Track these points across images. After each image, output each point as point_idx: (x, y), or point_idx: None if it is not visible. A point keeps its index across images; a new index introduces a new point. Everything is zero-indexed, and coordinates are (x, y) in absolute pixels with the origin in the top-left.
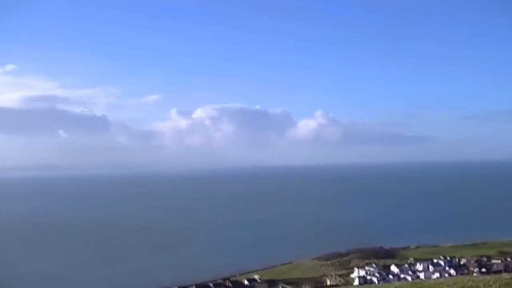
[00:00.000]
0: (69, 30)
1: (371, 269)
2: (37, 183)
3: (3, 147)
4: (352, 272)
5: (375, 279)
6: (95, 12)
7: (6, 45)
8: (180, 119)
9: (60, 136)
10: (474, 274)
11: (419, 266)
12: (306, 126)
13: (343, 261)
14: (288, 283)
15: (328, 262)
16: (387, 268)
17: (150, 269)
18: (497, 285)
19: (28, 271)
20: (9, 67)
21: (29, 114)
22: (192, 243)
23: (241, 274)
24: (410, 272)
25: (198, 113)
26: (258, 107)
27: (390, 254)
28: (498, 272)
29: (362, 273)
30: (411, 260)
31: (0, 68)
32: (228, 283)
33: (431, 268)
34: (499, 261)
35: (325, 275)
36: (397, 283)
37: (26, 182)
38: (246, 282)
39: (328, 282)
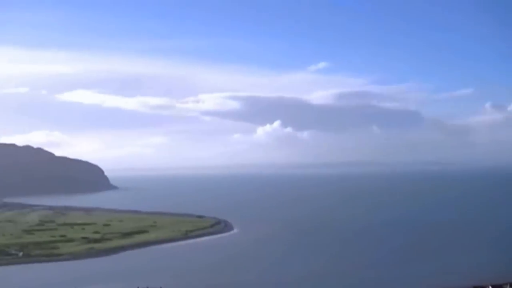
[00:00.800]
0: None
1: None
2: (348, 179)
3: (316, 144)
4: None
5: None
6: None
7: (319, 43)
8: (494, 112)
9: (373, 132)
10: None
11: None
12: None
13: None
14: None
15: None
16: None
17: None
18: None
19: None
20: (322, 64)
21: (341, 111)
22: None
23: None
24: None
25: None
26: None
27: None
28: None
29: None
30: None
31: (314, 65)
32: None
33: None
34: None
35: None
36: None
37: (335, 178)
38: None
39: None
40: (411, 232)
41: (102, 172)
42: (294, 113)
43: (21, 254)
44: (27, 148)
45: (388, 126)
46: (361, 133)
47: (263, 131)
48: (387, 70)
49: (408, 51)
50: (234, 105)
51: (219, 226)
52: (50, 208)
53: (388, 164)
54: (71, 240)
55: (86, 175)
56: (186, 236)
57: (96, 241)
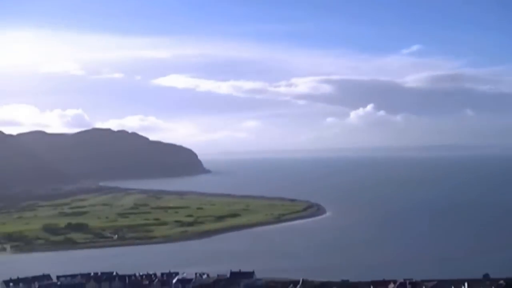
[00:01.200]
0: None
1: None
2: (442, 162)
3: (410, 127)
4: None
5: None
6: None
7: (412, 26)
8: None
9: (467, 115)
10: None
11: None
12: None
13: None
14: None
15: None
16: None
17: None
18: None
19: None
20: (415, 47)
21: (435, 94)
22: None
23: None
24: None
25: None
26: None
27: None
28: None
29: None
30: None
31: (406, 49)
32: None
33: None
34: None
35: None
36: None
37: (429, 161)
38: None
39: None
40: None
41: (196, 156)
42: (387, 96)
43: (115, 237)
44: (122, 132)
45: (482, 109)
46: (455, 115)
47: (355, 115)
48: (481, 52)
49: (503, 33)
50: (327, 88)
51: (311, 209)
52: (144, 191)
53: (482, 148)
54: (164, 223)
55: (180, 159)
56: (279, 219)
57: (189, 224)
